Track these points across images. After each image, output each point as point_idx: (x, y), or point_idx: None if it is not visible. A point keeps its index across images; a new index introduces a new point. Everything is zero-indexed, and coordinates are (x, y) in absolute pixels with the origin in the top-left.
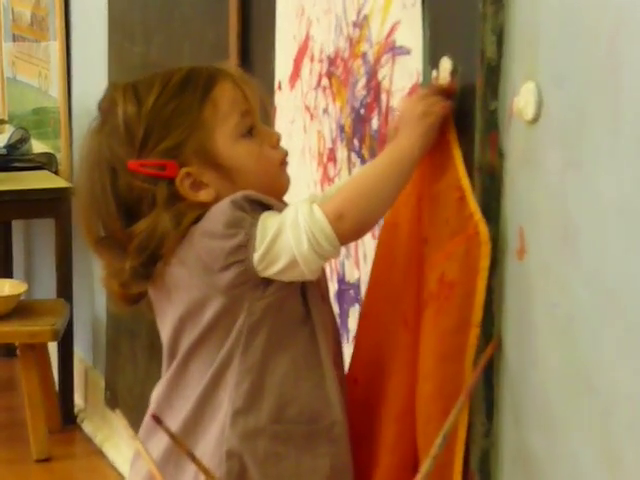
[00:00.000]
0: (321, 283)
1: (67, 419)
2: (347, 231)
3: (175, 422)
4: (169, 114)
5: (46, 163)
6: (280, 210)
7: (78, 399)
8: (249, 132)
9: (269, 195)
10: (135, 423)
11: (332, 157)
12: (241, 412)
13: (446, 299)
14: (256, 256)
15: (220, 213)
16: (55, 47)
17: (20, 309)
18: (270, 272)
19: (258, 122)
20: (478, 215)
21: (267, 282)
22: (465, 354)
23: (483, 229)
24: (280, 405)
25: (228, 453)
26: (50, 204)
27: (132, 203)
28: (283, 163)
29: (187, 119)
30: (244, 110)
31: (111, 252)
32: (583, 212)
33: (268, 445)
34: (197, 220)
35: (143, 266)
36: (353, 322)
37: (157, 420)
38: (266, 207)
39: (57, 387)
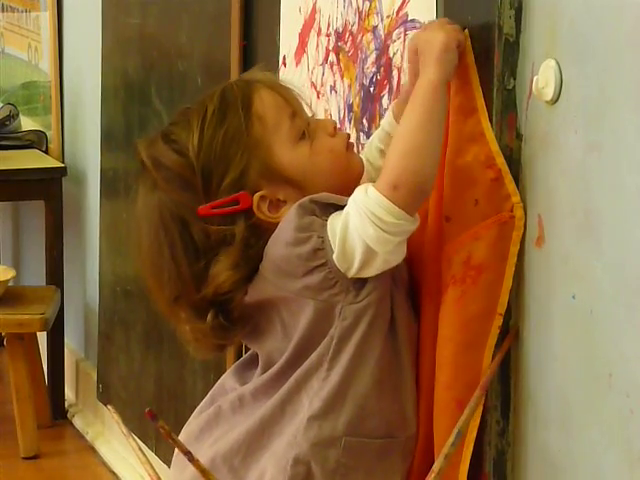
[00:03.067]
0: (408, 284)
1: (57, 414)
2: (408, 198)
3: (253, 417)
4: (220, 147)
5: (36, 141)
6: None
7: (69, 393)
8: (306, 131)
9: (349, 183)
10: (129, 419)
11: None
12: (317, 418)
13: (473, 283)
14: (335, 257)
15: (290, 220)
16: (46, 18)
17: (7, 296)
18: (355, 269)
19: (308, 118)
20: (517, 197)
21: (359, 285)
22: (486, 343)
23: (520, 213)
24: (360, 417)
25: (295, 459)
26: (40, 185)
27: (210, 250)
28: (348, 147)
29: (240, 145)
30: (290, 113)
31: (188, 312)
32: (605, 198)
33: (340, 456)
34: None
35: (225, 314)
36: None
37: (152, 417)
38: (336, 207)
39: (47, 380)
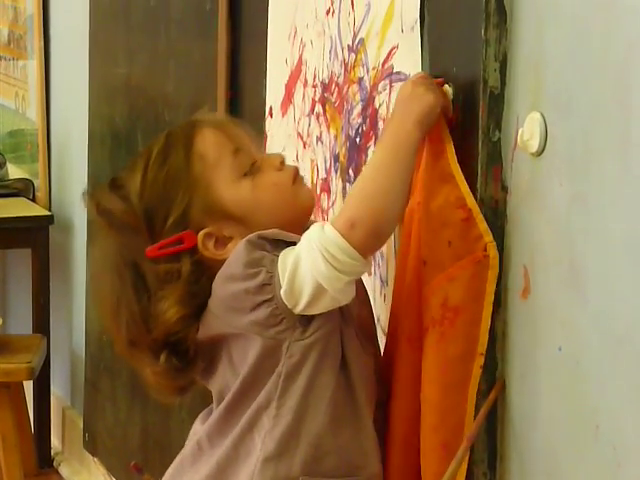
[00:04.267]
0: (363, 323)
1: (43, 462)
2: (363, 238)
3: (211, 460)
4: (162, 188)
5: (23, 189)
6: None
7: (55, 441)
8: (251, 168)
9: (297, 217)
10: (115, 468)
11: (326, 188)
12: (272, 458)
13: (450, 325)
14: (282, 292)
15: (238, 256)
16: (33, 66)
17: None
18: (302, 305)
19: (256, 156)
20: (489, 237)
21: (306, 321)
22: (469, 384)
23: (493, 252)
24: (316, 456)
25: None
26: (27, 233)
27: (157, 289)
28: (295, 181)
29: (181, 184)
30: (233, 150)
31: (145, 355)
32: (590, 250)
33: None
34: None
35: (177, 354)
36: None
37: (138, 470)
38: (287, 243)
39: (33, 428)
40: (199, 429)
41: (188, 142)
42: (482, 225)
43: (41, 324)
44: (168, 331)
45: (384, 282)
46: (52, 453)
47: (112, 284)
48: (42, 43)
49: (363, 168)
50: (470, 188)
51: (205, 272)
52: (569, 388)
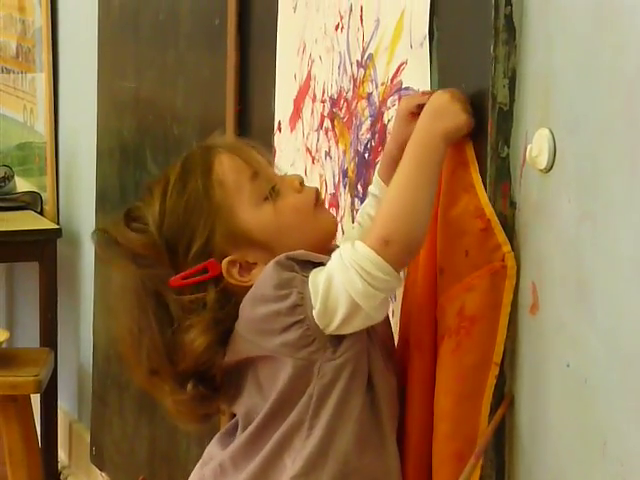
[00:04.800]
0: (386, 341)
1: (50, 476)
2: (398, 254)
3: None
4: (182, 217)
5: (31, 203)
6: None
7: (62, 455)
8: (271, 192)
9: (319, 240)
10: None
11: (334, 203)
12: (299, 476)
13: (467, 335)
14: (315, 313)
15: (268, 278)
16: (42, 80)
17: (1, 358)
18: (334, 325)
19: (275, 178)
20: (507, 247)
21: (337, 342)
22: (484, 393)
23: (511, 262)
24: (343, 474)
25: None
26: (34, 247)
27: (184, 319)
28: (317, 203)
29: (202, 212)
30: (251, 174)
31: (168, 384)
32: (598, 267)
33: None
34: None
35: (204, 382)
36: None
37: None
38: (315, 264)
39: (40, 442)
40: (216, 452)
41: (206, 168)
42: (501, 235)
43: (48, 337)
44: (196, 361)
45: (392, 297)
46: (59, 467)
47: (132, 314)
48: (51, 56)
49: (392, 181)
50: None
51: (231, 299)
52: (577, 404)
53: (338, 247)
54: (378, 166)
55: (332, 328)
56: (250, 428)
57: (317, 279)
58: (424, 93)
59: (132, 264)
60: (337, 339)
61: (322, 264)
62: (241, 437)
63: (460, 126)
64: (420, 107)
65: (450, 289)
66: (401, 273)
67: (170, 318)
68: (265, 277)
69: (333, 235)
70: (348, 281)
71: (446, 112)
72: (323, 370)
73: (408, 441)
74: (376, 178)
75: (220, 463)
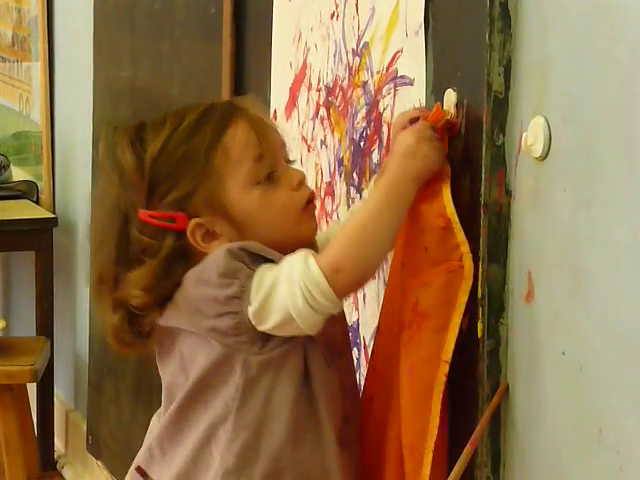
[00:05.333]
0: (332, 338)
1: (46, 465)
2: (346, 284)
3: (167, 475)
4: (176, 162)
5: (27, 192)
6: None
7: (58, 444)
8: (267, 178)
9: (291, 244)
10: (118, 471)
11: (330, 191)
12: (232, 472)
13: (418, 329)
14: (250, 310)
15: (215, 262)
16: (38, 68)
17: None
18: (265, 327)
19: (278, 165)
20: (465, 247)
21: (266, 338)
22: (433, 390)
23: (468, 263)
24: (276, 470)
25: None
26: (31, 236)
27: (136, 254)
28: (306, 207)
29: (195, 167)
30: (257, 155)
31: (104, 300)
32: (594, 255)
33: None
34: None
35: (131, 322)
36: None
37: (142, 474)
38: (267, 260)
39: (36, 431)
40: (153, 427)
41: (220, 128)
42: (460, 235)
43: (45, 326)
44: (128, 303)
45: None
46: (55, 456)
47: (104, 222)
48: (46, 45)
49: (357, 212)
50: (474, 192)
51: (182, 260)
52: (572, 392)
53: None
54: (375, 175)
55: (263, 328)
56: (172, 408)
57: (263, 279)
58: (417, 109)
59: (116, 177)
60: (267, 335)
61: (273, 261)
62: (164, 418)
63: (431, 167)
64: (413, 121)
65: (408, 283)
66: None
67: (126, 245)
68: (213, 261)
69: (307, 243)
70: (290, 295)
71: (414, 155)
72: (249, 363)
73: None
74: (372, 186)
75: (149, 447)
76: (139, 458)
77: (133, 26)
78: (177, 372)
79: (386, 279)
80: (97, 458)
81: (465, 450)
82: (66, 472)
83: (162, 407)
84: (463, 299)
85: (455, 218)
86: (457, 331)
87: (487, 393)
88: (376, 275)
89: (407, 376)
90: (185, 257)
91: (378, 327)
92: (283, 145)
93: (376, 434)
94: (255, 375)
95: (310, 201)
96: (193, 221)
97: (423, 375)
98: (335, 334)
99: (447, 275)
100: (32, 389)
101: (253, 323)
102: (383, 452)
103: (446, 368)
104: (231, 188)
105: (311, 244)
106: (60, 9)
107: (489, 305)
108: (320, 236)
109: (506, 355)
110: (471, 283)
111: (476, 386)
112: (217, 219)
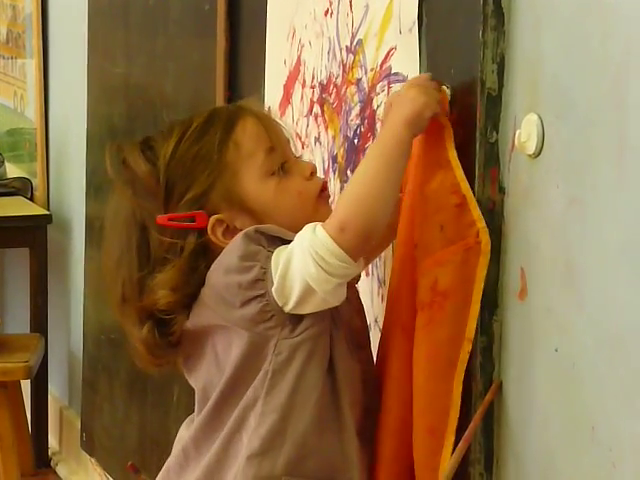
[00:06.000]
0: (353, 329)
1: (40, 462)
2: (353, 241)
3: (198, 465)
4: (190, 162)
5: (21, 189)
6: None
7: (52, 441)
8: (280, 169)
9: None
10: (112, 468)
11: None
12: (256, 456)
13: (439, 309)
14: (274, 290)
15: (235, 248)
16: (32, 65)
17: None
18: (291, 304)
19: (289, 156)
20: (482, 223)
21: (296, 320)
22: (456, 369)
23: (485, 238)
24: (300, 456)
25: None
26: (25, 233)
27: (160, 259)
28: (321, 195)
29: (209, 164)
30: (269, 147)
31: (132, 317)
32: (586, 252)
33: None
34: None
35: (161, 331)
36: None
37: (135, 470)
38: (283, 241)
39: (30, 428)
40: (183, 435)
41: (229, 126)
42: (475, 212)
43: (39, 323)
44: (155, 307)
45: (381, 283)
46: (49, 453)
47: (119, 239)
48: (41, 42)
49: (356, 169)
50: None
51: (205, 258)
52: (565, 389)
53: None
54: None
55: (289, 307)
56: (208, 406)
57: (279, 257)
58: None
59: (130, 189)
60: (296, 318)
61: (289, 242)
62: (199, 417)
63: (417, 110)
64: None
65: (423, 263)
66: (360, 260)
67: (149, 255)
68: (232, 247)
69: None
70: (304, 265)
71: (402, 100)
72: (279, 347)
73: (392, 421)
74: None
75: (183, 448)
76: (170, 462)
77: (127, 23)
78: (213, 372)
79: (380, 276)
80: (91, 455)
81: (458, 447)
82: (60, 469)
83: (196, 411)
84: (482, 274)
85: (470, 194)
86: (478, 307)
87: (480, 390)
88: (369, 272)
89: (426, 357)
90: (207, 255)
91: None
92: (289, 140)
93: None
94: (285, 359)
95: (324, 189)
96: (213, 218)
97: (444, 355)
98: (356, 326)
99: (464, 252)
100: (26, 386)
101: (280, 304)
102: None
103: (469, 346)
104: (247, 181)
105: None
106: (55, 6)
107: (482, 302)
108: None
109: (499, 352)
110: (489, 257)
111: (469, 383)
112: (236, 214)
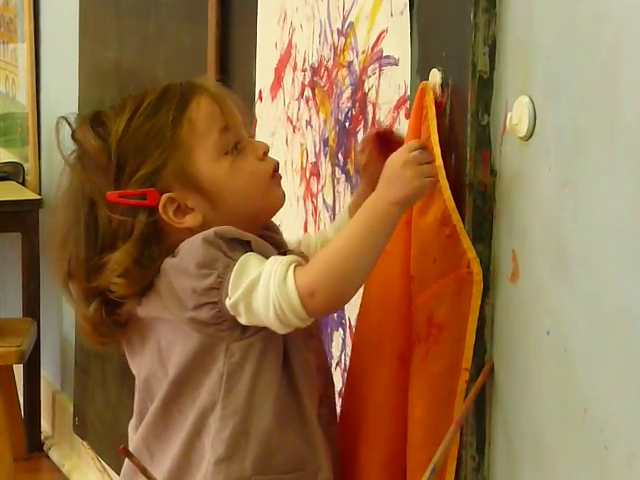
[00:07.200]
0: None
1: (33, 446)
2: (319, 308)
3: (160, 472)
4: (142, 139)
5: (12, 173)
6: (259, 247)
7: (45, 425)
8: (233, 148)
9: (263, 212)
10: (105, 452)
11: (315, 172)
12: (223, 460)
13: (435, 342)
14: (228, 302)
15: (193, 252)
16: (23, 50)
17: None
18: (241, 321)
19: (242, 136)
20: (472, 253)
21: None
22: (454, 399)
23: (477, 268)
24: (267, 453)
25: None
26: (17, 217)
27: (108, 238)
28: (274, 175)
29: (162, 142)
30: (223, 126)
31: (77, 293)
32: (578, 235)
33: None
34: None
35: (108, 311)
36: (337, 348)
37: (126, 453)
38: (244, 243)
39: (23, 412)
40: (134, 438)
41: (183, 104)
42: (466, 242)
43: (31, 308)
44: (103, 290)
45: None
46: (42, 437)
47: (67, 215)
48: (32, 26)
49: (339, 236)
50: (459, 172)
51: (156, 239)
52: (557, 372)
53: (277, 227)
54: (350, 202)
55: (239, 320)
56: (155, 407)
57: (242, 274)
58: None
59: (79, 165)
60: None
61: (249, 243)
62: (148, 418)
63: (411, 194)
64: (381, 135)
65: (419, 296)
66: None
67: (95, 230)
68: (190, 251)
69: (276, 212)
70: (264, 306)
71: (397, 180)
72: (232, 350)
73: (388, 450)
74: (345, 210)
75: (135, 451)
76: (125, 469)
77: (119, 7)
78: (156, 365)
79: None
80: (83, 439)
81: (450, 430)
82: (53, 453)
83: (137, 402)
84: (476, 305)
85: (460, 225)
86: (474, 338)
87: (472, 373)
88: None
89: (424, 390)
90: (159, 237)
91: (355, 340)
92: (243, 120)
93: (342, 451)
94: (239, 361)
95: (276, 170)
96: (165, 196)
97: (443, 386)
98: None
99: (457, 283)
100: (18, 370)
101: (231, 314)
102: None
103: (467, 375)
104: (200, 159)
105: (275, 213)
106: None
107: None
108: (306, 240)
109: (491, 335)
110: (482, 288)
111: None
112: (188, 192)
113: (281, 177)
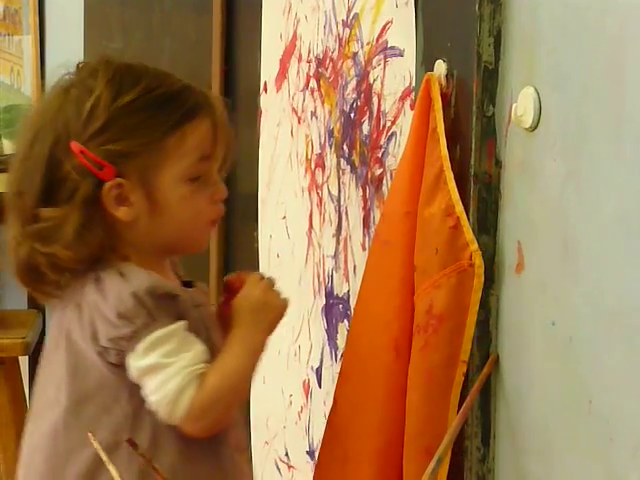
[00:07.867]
0: (213, 346)
1: None
2: (202, 429)
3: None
4: (136, 121)
5: None
6: (185, 303)
7: None
8: (199, 179)
9: (180, 249)
10: None
11: (320, 163)
12: None
13: (434, 333)
14: (130, 356)
15: (119, 299)
16: (29, 42)
17: None
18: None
19: (213, 172)
20: (474, 246)
21: None
22: (451, 391)
23: (478, 261)
24: None
25: None
26: None
27: (53, 181)
28: (214, 223)
29: (149, 136)
30: (205, 155)
31: (16, 217)
32: (583, 226)
33: None
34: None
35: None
36: (342, 340)
37: (132, 445)
38: (172, 298)
39: (28, 404)
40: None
41: (188, 115)
42: (468, 234)
43: (36, 300)
44: (40, 233)
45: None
46: None
47: (35, 136)
48: (37, 18)
49: (220, 361)
50: (464, 163)
51: (97, 215)
52: (562, 363)
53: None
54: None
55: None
56: (56, 416)
57: (158, 347)
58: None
59: (68, 94)
60: None
61: (177, 296)
62: (48, 422)
63: (282, 313)
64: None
65: (421, 287)
66: None
67: (50, 167)
68: (117, 298)
69: (191, 253)
70: (155, 391)
71: (265, 306)
72: (134, 390)
73: (382, 439)
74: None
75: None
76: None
77: None
78: (64, 380)
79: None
80: None
81: (455, 421)
82: None
83: (37, 401)
84: (476, 298)
85: (464, 217)
86: (473, 330)
87: (477, 364)
88: (365, 246)
89: (422, 380)
90: (96, 215)
91: (351, 330)
92: (227, 160)
93: (337, 439)
94: (141, 401)
95: (217, 220)
96: (117, 179)
97: (441, 377)
98: (216, 342)
99: (458, 275)
100: (24, 362)
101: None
102: (347, 458)
103: (464, 368)
104: (168, 172)
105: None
106: None
107: None
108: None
109: (496, 326)
110: (483, 280)
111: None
112: (138, 190)
113: (215, 227)
